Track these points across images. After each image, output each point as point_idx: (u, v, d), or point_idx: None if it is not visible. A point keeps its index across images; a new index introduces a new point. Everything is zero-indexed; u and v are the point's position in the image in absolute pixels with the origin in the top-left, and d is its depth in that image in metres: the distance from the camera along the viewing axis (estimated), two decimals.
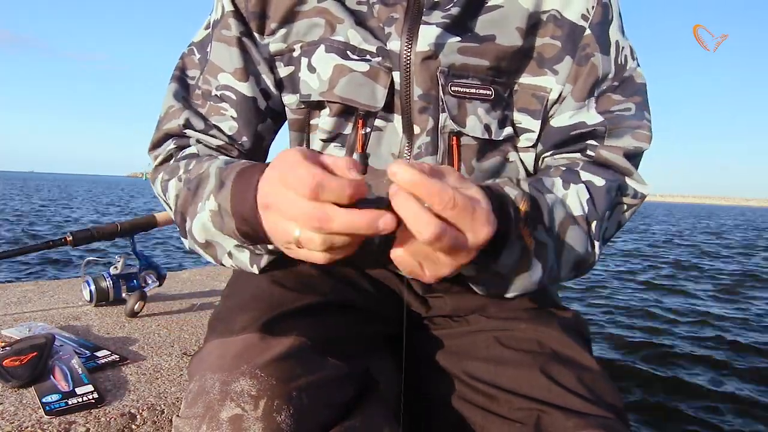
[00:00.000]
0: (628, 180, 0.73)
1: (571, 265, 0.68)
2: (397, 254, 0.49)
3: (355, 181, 0.44)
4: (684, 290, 5.89)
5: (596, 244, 0.69)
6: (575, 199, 0.68)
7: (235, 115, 0.73)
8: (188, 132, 0.74)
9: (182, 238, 0.72)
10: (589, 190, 0.69)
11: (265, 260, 0.67)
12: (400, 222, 0.44)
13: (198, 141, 0.74)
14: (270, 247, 0.62)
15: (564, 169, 0.73)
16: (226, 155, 0.74)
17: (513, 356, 0.70)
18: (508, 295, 0.67)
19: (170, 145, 0.74)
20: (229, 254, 0.66)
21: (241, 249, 0.65)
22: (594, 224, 0.68)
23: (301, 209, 0.44)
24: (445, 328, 0.79)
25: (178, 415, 0.54)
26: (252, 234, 0.57)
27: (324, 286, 0.71)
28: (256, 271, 0.68)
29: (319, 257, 0.47)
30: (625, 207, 0.74)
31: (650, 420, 2.44)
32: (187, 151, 0.73)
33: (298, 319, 0.62)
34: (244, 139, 0.74)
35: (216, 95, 0.74)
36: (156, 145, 0.76)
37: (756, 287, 6.31)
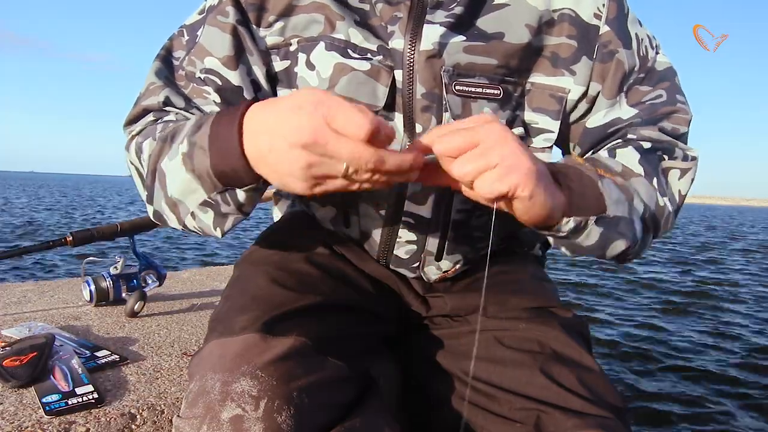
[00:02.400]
0: (670, 146, 0.73)
1: (648, 215, 0.68)
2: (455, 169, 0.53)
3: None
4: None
5: (665, 199, 0.69)
6: (627, 160, 0.69)
7: (218, 100, 0.71)
8: (168, 108, 0.71)
9: (148, 206, 0.68)
10: (639, 150, 0.70)
11: (230, 222, 0.63)
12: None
13: (177, 114, 0.71)
14: (241, 198, 0.59)
15: (608, 149, 0.74)
16: None
17: (513, 356, 0.70)
18: (638, 233, 0.66)
19: (148, 118, 0.71)
20: (192, 215, 0.63)
21: (204, 209, 0.62)
22: (654, 181, 0.69)
23: (357, 151, 0.47)
24: (445, 327, 0.79)
25: (178, 416, 0.54)
26: (228, 173, 0.55)
27: (324, 287, 0.71)
28: (219, 235, 0.65)
29: (354, 186, 0.51)
30: (679, 173, 0.73)
31: (650, 420, 2.44)
32: (167, 118, 0.70)
33: (299, 319, 0.62)
34: None
35: (200, 78, 0.71)
36: (133, 120, 0.73)
37: None
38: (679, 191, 0.73)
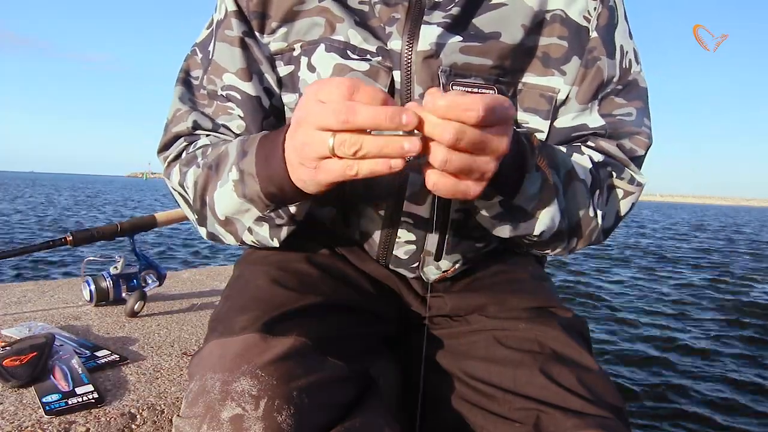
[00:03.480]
0: (622, 165, 0.75)
1: (575, 221, 0.69)
2: (432, 179, 0.50)
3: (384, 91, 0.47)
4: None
5: (599, 213, 0.71)
6: (578, 164, 0.70)
7: (242, 114, 0.73)
8: (197, 132, 0.75)
9: (200, 228, 0.73)
10: (591, 160, 0.71)
11: (284, 232, 0.69)
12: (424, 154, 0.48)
13: (208, 135, 0.75)
14: (292, 210, 0.64)
15: (567, 146, 0.75)
16: None
17: (512, 356, 0.70)
18: (535, 233, 0.67)
19: (181, 143, 0.75)
20: (249, 230, 0.68)
21: (260, 223, 0.67)
22: (596, 193, 0.70)
23: (330, 107, 0.46)
24: (445, 328, 0.79)
25: (178, 415, 0.54)
26: (278, 194, 0.59)
27: (324, 287, 0.71)
28: (277, 244, 0.70)
29: (353, 170, 0.48)
30: (622, 193, 0.75)
31: (650, 420, 2.44)
32: (200, 142, 0.74)
33: (299, 319, 0.62)
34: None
35: (222, 95, 0.74)
36: (165, 147, 0.77)
37: None
38: (618, 211, 0.75)
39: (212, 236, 0.73)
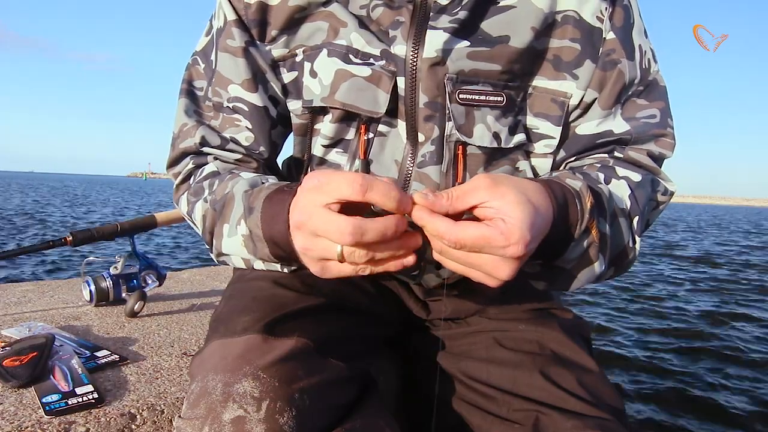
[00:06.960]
0: (656, 177, 0.73)
1: (613, 259, 0.67)
2: (448, 267, 0.54)
3: (399, 200, 0.48)
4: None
5: (637, 240, 0.68)
6: (618, 194, 0.67)
7: (249, 125, 0.73)
8: (205, 149, 0.74)
9: (210, 253, 0.73)
10: (629, 186, 0.69)
11: (295, 265, 0.68)
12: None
13: (216, 158, 0.74)
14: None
15: (599, 165, 0.72)
16: (246, 168, 0.74)
17: (512, 357, 0.70)
18: (572, 288, 0.66)
19: (189, 163, 0.74)
20: (262, 261, 0.68)
21: (270, 264, 0.67)
22: (635, 219, 0.68)
23: (338, 227, 0.48)
24: (445, 329, 0.79)
25: (180, 416, 0.54)
26: (285, 256, 0.59)
27: (326, 288, 0.71)
28: (287, 272, 0.69)
29: (366, 272, 0.51)
30: (655, 204, 0.73)
31: (650, 422, 2.44)
32: (207, 169, 0.73)
33: (300, 320, 0.62)
34: (262, 148, 0.74)
35: (228, 107, 0.73)
36: (174, 163, 0.76)
37: None
38: (647, 221, 0.74)
39: (223, 260, 0.72)
